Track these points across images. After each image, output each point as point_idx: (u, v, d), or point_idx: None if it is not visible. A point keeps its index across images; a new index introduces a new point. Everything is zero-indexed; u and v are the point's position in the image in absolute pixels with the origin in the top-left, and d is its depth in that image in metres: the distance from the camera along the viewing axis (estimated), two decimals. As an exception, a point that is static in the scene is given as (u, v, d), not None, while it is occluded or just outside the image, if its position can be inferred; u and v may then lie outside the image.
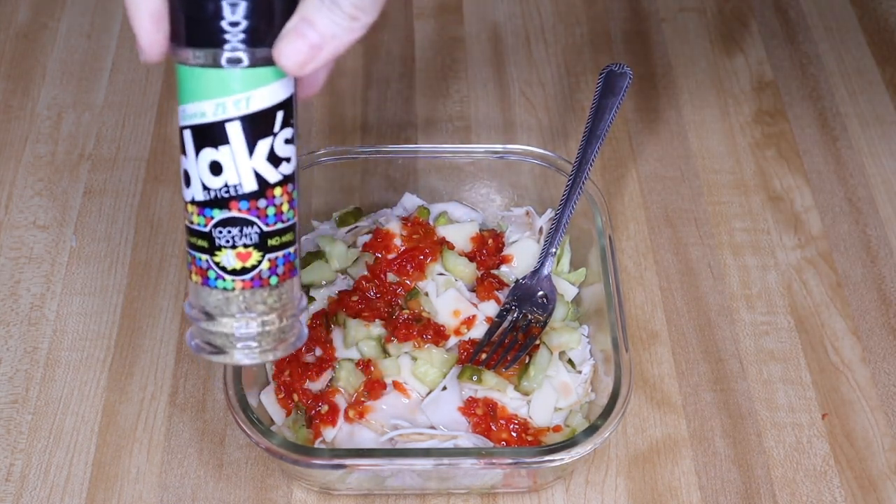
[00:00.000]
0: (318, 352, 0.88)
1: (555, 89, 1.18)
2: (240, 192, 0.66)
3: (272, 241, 0.68)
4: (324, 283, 0.93)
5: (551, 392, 0.86)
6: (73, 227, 1.03)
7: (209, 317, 0.70)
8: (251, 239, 0.68)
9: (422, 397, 0.86)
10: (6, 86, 1.16)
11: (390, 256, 0.93)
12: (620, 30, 1.24)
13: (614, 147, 1.12)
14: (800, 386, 0.93)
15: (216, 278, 0.68)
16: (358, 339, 0.88)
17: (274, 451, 0.77)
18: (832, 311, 0.98)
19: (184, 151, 0.67)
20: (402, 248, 0.93)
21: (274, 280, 0.69)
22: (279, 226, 0.68)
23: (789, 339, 0.96)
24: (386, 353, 0.87)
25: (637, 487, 0.87)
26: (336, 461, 0.78)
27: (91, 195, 1.06)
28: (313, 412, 0.84)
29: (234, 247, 0.67)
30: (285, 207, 0.68)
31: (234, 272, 0.68)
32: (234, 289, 0.68)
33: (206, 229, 0.67)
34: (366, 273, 0.92)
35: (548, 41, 1.23)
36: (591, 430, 0.78)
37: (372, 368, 0.86)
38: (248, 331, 0.69)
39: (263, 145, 0.66)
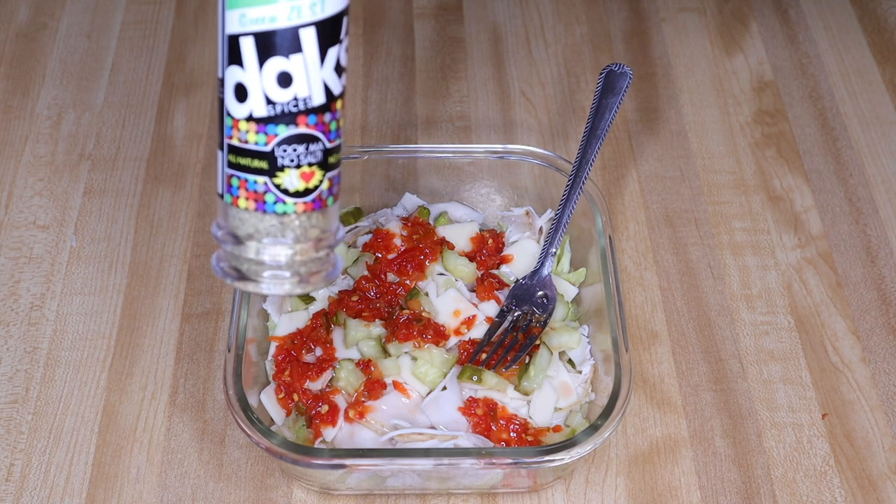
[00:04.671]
0: (319, 352, 0.88)
1: (555, 89, 1.18)
2: (309, 106, 0.62)
3: (332, 159, 0.64)
4: (324, 283, 0.93)
5: (551, 392, 0.86)
6: (73, 227, 1.03)
7: (240, 241, 0.65)
8: (316, 157, 0.63)
9: (422, 397, 0.86)
10: (6, 86, 1.16)
11: (390, 256, 0.93)
12: (620, 30, 1.24)
13: (614, 147, 1.12)
14: (800, 386, 0.93)
15: (275, 202, 0.64)
16: (358, 339, 0.88)
17: (274, 451, 0.77)
18: (832, 311, 0.98)
19: (237, 62, 0.62)
20: (402, 248, 0.94)
21: (331, 201, 0.65)
22: (338, 142, 0.65)
23: (789, 339, 0.96)
24: (386, 353, 0.87)
25: (637, 487, 0.87)
26: (336, 461, 0.78)
27: (91, 195, 1.06)
28: (313, 412, 0.84)
29: (298, 166, 0.63)
30: (342, 122, 0.65)
31: (296, 194, 0.64)
32: (294, 212, 0.64)
33: (268, 148, 0.63)
34: (366, 273, 0.92)
35: (548, 41, 1.23)
36: (591, 430, 0.78)
37: (372, 368, 0.86)
38: (281, 259, 0.65)
39: (332, 54, 0.62)
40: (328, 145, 0.64)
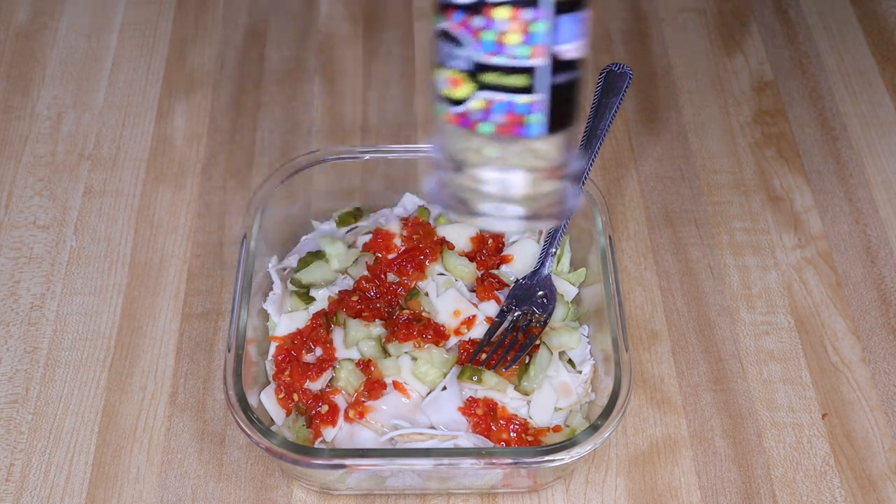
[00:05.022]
0: (319, 352, 0.88)
1: (555, 89, 1.17)
2: (453, 0, 0.57)
3: (488, 77, 0.58)
4: (324, 283, 0.93)
5: (551, 392, 0.86)
6: (73, 227, 1.03)
7: (445, 153, 0.61)
8: (461, 63, 0.58)
9: (422, 397, 0.86)
10: (6, 86, 1.16)
11: (390, 256, 0.93)
12: (620, 30, 1.24)
13: (614, 147, 1.12)
14: (800, 386, 0.93)
15: (437, 98, 0.60)
16: (358, 339, 0.88)
17: (274, 451, 0.77)
18: (832, 311, 0.98)
19: None
20: (402, 248, 0.94)
21: (486, 128, 0.59)
22: (501, 61, 0.57)
23: (789, 339, 0.96)
24: (386, 353, 0.87)
25: (637, 487, 0.87)
26: (336, 461, 0.78)
27: (91, 195, 1.06)
28: (313, 412, 0.84)
29: (446, 66, 0.59)
30: (514, 39, 0.57)
31: (444, 98, 0.59)
32: (443, 118, 0.59)
33: (435, 35, 0.59)
34: (366, 273, 0.92)
35: (548, 41, 1.23)
36: (591, 430, 0.78)
37: (372, 368, 0.86)
38: (507, 191, 0.60)
39: None
40: (479, 57, 0.58)
